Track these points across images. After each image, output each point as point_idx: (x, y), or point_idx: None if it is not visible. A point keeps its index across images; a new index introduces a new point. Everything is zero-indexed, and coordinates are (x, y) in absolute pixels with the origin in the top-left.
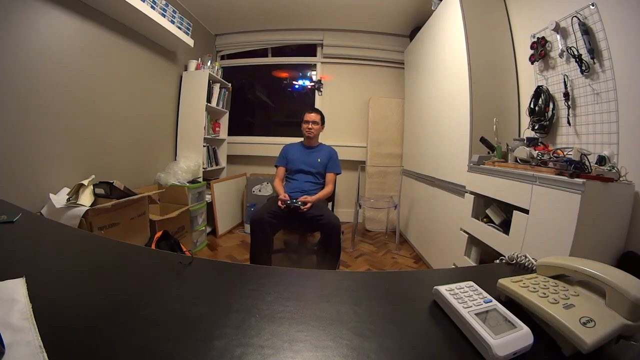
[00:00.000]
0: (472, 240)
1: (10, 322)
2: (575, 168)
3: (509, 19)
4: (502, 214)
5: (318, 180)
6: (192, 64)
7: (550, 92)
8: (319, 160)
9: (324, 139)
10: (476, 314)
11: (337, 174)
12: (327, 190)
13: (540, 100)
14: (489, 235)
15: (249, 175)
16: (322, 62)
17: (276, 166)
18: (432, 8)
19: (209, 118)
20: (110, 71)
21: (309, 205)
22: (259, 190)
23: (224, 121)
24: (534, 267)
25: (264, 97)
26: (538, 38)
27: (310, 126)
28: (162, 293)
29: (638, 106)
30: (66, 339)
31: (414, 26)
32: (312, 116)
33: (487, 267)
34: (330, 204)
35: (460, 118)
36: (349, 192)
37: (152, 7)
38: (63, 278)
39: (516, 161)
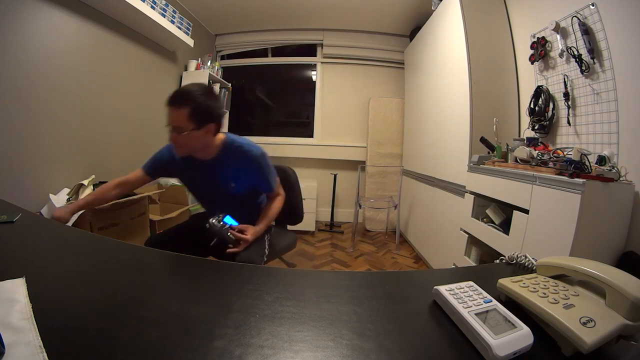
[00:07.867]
0: (472, 240)
1: (10, 322)
2: (575, 168)
3: (509, 19)
4: (502, 214)
5: (244, 205)
6: (192, 64)
7: (550, 92)
8: (228, 180)
9: (324, 139)
10: (476, 314)
11: (271, 192)
12: (273, 205)
13: (540, 100)
14: (489, 235)
15: None
16: (322, 62)
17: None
18: (432, 8)
19: None
20: (110, 71)
21: (245, 242)
22: None
23: (224, 121)
24: (534, 267)
25: (264, 97)
26: (538, 38)
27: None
28: (162, 293)
29: (638, 106)
30: (66, 339)
31: (414, 26)
32: (173, 117)
33: (487, 267)
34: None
35: (460, 118)
36: (349, 192)
37: (152, 7)
38: (63, 278)
39: (516, 161)
